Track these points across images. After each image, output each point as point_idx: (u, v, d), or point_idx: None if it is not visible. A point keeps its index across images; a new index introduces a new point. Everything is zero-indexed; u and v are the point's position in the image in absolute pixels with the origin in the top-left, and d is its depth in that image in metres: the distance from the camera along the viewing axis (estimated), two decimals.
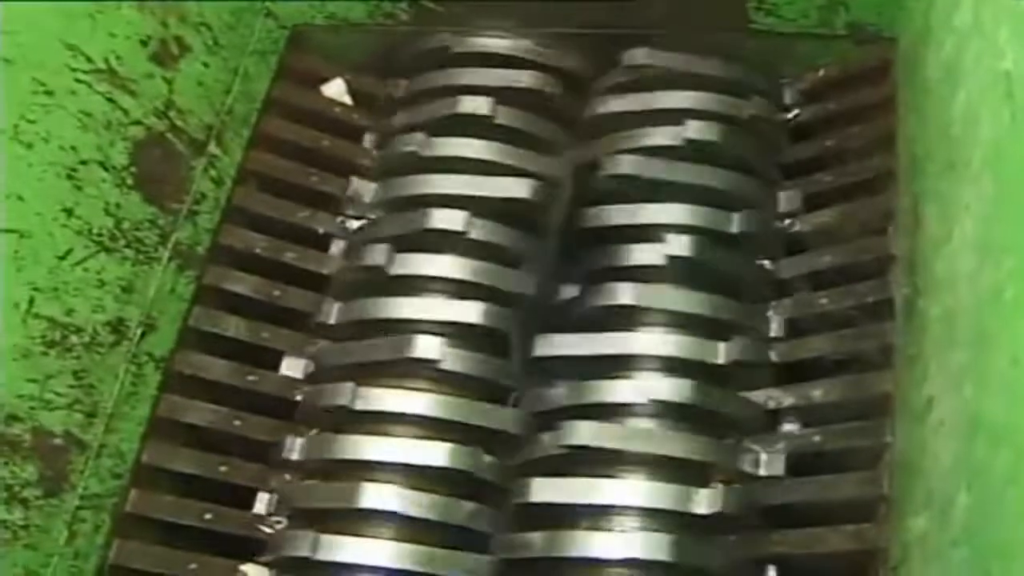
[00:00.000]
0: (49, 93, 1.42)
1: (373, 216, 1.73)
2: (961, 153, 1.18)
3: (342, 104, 1.86)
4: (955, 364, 1.11)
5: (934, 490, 1.13)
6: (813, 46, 1.77)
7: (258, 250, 1.69)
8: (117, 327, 1.51)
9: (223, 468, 1.54)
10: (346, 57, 1.91)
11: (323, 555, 1.43)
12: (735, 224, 1.62)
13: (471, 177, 1.66)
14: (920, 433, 1.22)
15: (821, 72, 1.77)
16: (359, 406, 1.52)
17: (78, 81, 1.46)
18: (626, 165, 1.67)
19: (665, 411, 1.49)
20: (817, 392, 1.49)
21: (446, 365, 1.54)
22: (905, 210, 1.46)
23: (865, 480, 1.39)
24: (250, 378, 1.60)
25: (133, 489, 1.52)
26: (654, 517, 1.42)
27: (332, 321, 1.64)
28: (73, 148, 1.45)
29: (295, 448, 1.56)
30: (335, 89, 1.87)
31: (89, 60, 1.48)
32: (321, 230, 1.73)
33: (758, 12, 1.75)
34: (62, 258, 1.43)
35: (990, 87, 1.10)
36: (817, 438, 1.46)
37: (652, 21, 1.77)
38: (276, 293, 1.66)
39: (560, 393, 1.54)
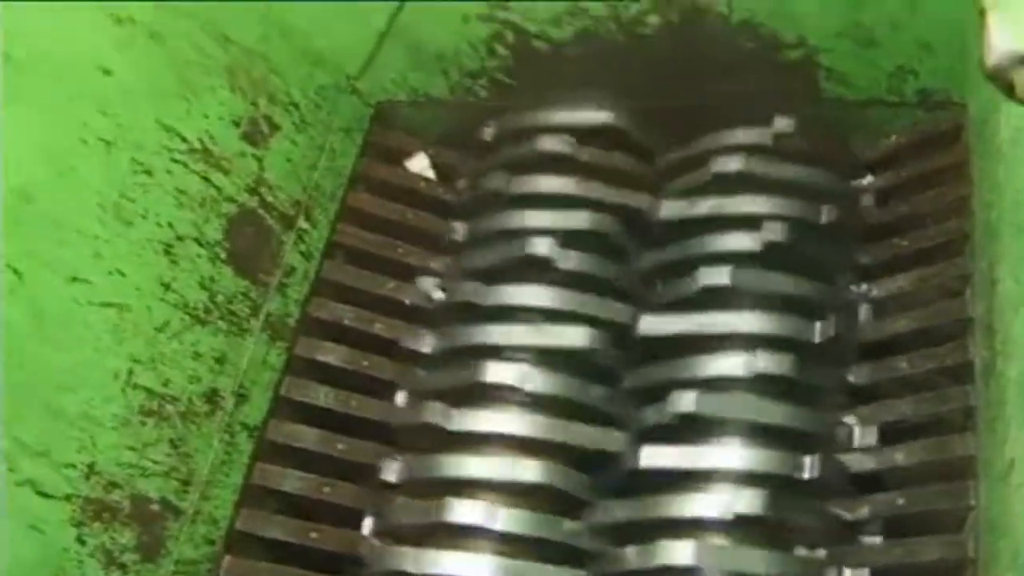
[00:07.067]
0: (148, 173, 1.48)
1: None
2: None
3: (426, 178, 1.91)
4: None
5: (1019, 550, 1.13)
6: (884, 113, 1.78)
7: (346, 321, 1.73)
8: (212, 397, 1.56)
9: (314, 535, 1.57)
10: (429, 132, 1.95)
11: None
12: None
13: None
14: (1004, 494, 1.22)
15: (893, 139, 1.78)
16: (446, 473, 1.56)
17: (174, 161, 1.53)
18: None
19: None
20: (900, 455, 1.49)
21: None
22: (981, 273, 1.47)
23: (951, 543, 1.38)
24: (340, 446, 1.63)
25: (227, 555, 1.55)
26: None
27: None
28: (170, 225, 1.51)
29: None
30: (419, 164, 1.91)
31: (184, 140, 1.55)
32: (407, 301, 1.76)
33: (828, 81, 1.77)
34: (159, 330, 1.48)
35: None
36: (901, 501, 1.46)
37: (726, 93, 1.80)
38: (364, 363, 1.69)
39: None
